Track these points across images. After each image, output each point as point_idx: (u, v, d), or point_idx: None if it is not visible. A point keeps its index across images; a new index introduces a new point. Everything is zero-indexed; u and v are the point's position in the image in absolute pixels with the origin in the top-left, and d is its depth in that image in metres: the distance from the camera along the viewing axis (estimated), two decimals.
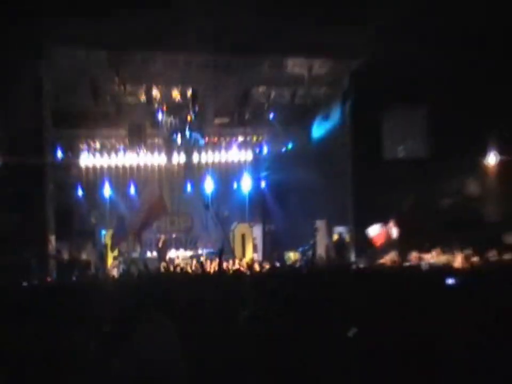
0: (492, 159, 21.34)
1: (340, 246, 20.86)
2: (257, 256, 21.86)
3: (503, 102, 19.65)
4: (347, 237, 21.17)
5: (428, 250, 17.83)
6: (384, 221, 20.58)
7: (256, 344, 5.92)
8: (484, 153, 21.42)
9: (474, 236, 18.06)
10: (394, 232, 20.37)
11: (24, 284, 13.95)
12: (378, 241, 20.13)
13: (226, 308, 7.26)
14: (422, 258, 16.99)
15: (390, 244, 19.95)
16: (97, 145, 21.68)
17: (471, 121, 20.22)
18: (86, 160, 21.60)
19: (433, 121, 21.96)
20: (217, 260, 17.24)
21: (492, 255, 14.97)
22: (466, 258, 15.28)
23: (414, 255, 17.35)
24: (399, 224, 20.54)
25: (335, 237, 21.43)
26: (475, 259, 14.77)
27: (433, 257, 16.93)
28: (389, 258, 17.79)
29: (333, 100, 22.17)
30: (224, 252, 19.34)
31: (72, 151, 21.05)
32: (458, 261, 15.26)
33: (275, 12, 19.08)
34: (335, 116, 22.20)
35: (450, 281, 9.22)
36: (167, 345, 5.53)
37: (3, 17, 16.54)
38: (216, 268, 15.39)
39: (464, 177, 22.06)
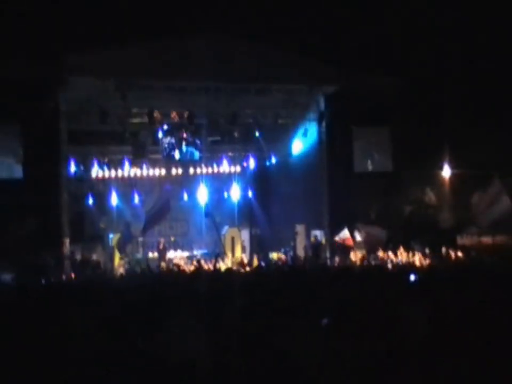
0: (446, 172, 21.64)
1: (316, 247, 21.05)
2: (245, 256, 22.01)
3: (457, 124, 20.04)
4: (323, 240, 21.37)
5: (392, 250, 18.10)
6: (355, 225, 20.83)
7: (245, 332, 6.03)
8: (439, 168, 21.74)
9: (431, 238, 18.37)
10: (363, 235, 20.59)
11: (43, 280, 14.13)
12: (350, 243, 20.35)
13: (219, 298, 7.42)
14: (388, 257, 17.27)
15: (360, 245, 20.18)
16: (106, 159, 21.71)
17: (430, 140, 20.61)
18: (96, 173, 21.61)
19: (398, 139, 22.30)
20: (211, 260, 17.40)
21: (446, 254, 15.25)
22: (424, 257, 15.58)
23: (380, 254, 17.62)
24: (367, 228, 20.79)
25: (312, 239, 21.63)
26: (431, 258, 15.07)
27: (396, 256, 17.20)
28: (359, 257, 18.04)
29: (310, 120, 22.42)
30: (218, 253, 19.58)
31: (84, 165, 21.06)
32: (417, 259, 15.55)
33: (261, 46, 19.46)
34: (312, 134, 22.43)
35: (411, 276, 9.47)
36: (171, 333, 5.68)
37: (29, 51, 16.82)
38: (212, 266, 15.61)
39: (423, 188, 22.41)
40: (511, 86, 19.64)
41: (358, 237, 20.40)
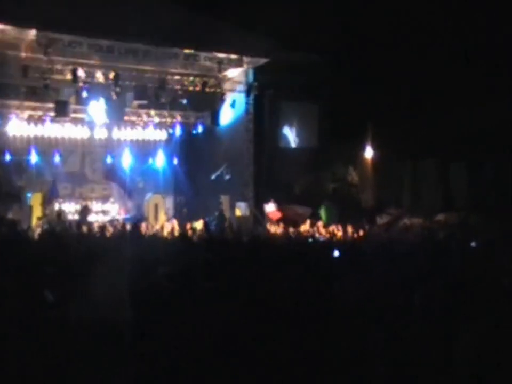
0: (369, 153, 22.08)
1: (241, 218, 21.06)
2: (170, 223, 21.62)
3: (381, 105, 20.40)
4: (247, 211, 21.39)
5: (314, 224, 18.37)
6: (279, 198, 20.96)
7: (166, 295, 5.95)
8: (363, 148, 22.15)
9: (352, 217, 18.75)
10: (287, 209, 20.76)
11: None
12: (274, 217, 20.47)
13: (142, 263, 7.30)
14: (309, 231, 17.52)
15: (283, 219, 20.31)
16: (25, 115, 20.73)
17: (355, 119, 20.92)
18: (15, 128, 20.58)
19: (324, 116, 22.58)
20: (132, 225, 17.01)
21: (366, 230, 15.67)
22: (346, 232, 15.91)
23: (303, 228, 17.86)
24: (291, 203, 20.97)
25: (237, 211, 21.62)
26: (353, 233, 15.42)
27: (319, 231, 17.48)
28: (281, 230, 18.19)
29: (239, 91, 22.27)
30: (140, 219, 19.28)
31: (2, 120, 19.99)
32: (339, 233, 15.88)
33: (193, 13, 19.07)
34: (241, 105, 22.31)
35: (334, 251, 9.65)
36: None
37: None
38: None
39: (347, 167, 22.83)
40: (442, 66, 20.02)
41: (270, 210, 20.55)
